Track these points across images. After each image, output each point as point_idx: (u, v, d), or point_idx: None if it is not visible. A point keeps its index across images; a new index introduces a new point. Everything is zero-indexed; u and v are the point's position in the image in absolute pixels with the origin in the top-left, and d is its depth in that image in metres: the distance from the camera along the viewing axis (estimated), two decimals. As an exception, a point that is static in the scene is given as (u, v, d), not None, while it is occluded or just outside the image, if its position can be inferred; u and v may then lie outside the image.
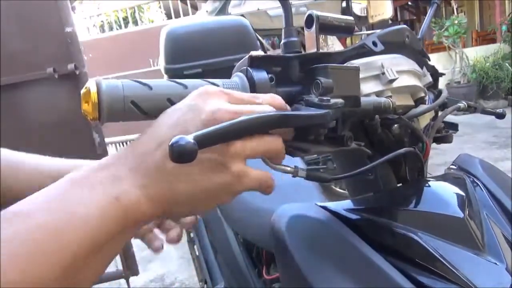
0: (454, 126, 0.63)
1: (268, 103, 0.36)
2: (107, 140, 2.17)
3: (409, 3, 9.73)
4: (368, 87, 0.49)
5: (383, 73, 0.49)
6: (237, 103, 0.35)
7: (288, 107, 0.39)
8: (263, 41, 3.76)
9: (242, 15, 3.15)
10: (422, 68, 0.57)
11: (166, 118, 0.34)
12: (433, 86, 0.61)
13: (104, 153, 1.71)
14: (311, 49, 0.46)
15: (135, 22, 6.68)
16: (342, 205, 0.52)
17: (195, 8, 6.54)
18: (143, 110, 0.34)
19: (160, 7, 7.13)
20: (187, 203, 0.35)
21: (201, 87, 0.35)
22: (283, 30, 0.45)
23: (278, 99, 0.37)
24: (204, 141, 0.30)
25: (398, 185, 0.56)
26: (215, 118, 0.33)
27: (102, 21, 6.68)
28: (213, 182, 0.34)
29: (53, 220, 0.30)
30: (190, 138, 0.28)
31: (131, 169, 0.33)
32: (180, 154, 0.28)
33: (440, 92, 0.60)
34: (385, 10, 3.57)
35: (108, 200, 0.31)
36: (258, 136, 0.35)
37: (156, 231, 0.57)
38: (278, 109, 0.37)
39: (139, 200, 0.32)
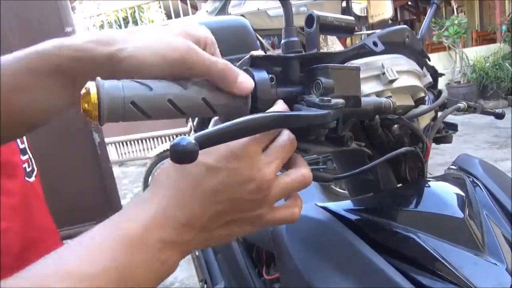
0: (453, 126, 0.63)
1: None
2: (107, 140, 2.17)
3: (409, 3, 9.73)
4: (368, 87, 0.49)
5: (384, 73, 0.49)
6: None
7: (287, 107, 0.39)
8: (263, 41, 3.77)
9: (242, 15, 3.16)
10: (422, 68, 0.57)
11: (208, 182, 0.35)
12: (432, 87, 0.61)
13: (104, 153, 1.70)
14: (311, 49, 0.46)
15: (135, 22, 6.69)
16: (342, 206, 0.52)
17: (195, 8, 6.54)
18: (143, 110, 0.34)
19: (160, 7, 7.13)
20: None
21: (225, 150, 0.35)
22: (283, 30, 0.45)
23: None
24: (205, 142, 0.30)
25: (398, 185, 0.56)
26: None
27: (102, 21, 6.68)
28: (243, 231, 0.39)
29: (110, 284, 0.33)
30: (191, 138, 0.28)
31: (179, 233, 0.36)
32: (181, 155, 0.28)
33: (440, 92, 0.60)
34: (385, 10, 3.58)
35: (156, 264, 0.35)
36: (284, 183, 0.38)
37: None
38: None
39: (177, 259, 0.37)
